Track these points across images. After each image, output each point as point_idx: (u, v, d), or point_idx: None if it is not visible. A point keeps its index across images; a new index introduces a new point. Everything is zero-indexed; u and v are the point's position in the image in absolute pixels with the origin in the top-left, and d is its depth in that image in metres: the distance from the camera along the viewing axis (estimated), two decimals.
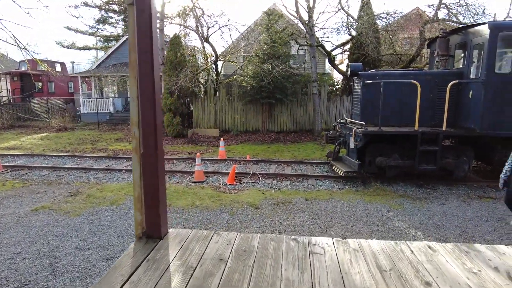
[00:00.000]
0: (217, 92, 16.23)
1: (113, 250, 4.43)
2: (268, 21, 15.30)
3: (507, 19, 14.09)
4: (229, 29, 17.40)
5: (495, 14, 25.41)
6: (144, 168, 2.66)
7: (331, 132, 9.11)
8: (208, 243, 2.66)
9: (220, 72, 18.05)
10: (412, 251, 2.55)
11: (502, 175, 5.12)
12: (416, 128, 7.18)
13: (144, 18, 2.48)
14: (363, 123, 7.48)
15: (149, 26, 2.50)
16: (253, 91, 14.27)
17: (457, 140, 8.63)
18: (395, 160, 7.43)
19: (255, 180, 8.00)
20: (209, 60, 17.08)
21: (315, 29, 15.55)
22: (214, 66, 16.98)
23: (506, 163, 5.10)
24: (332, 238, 2.74)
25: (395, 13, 16.10)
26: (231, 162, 9.73)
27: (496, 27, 6.95)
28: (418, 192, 7.28)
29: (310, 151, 11.85)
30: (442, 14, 15.14)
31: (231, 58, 18.28)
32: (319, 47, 17.12)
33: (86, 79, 23.41)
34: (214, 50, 16.65)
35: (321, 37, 17.14)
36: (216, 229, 4.90)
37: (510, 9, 17.57)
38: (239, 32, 20.11)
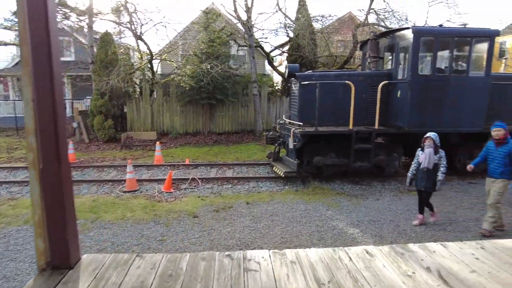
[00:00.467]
0: (154, 93, 15.41)
1: (21, 281, 3.78)
2: (206, 20, 14.92)
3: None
4: (165, 26, 16.62)
5: (415, 22, 27.96)
6: (45, 186, 2.21)
7: (271, 133, 9.08)
8: (128, 269, 2.29)
9: (156, 71, 17.19)
10: (350, 258, 2.46)
11: (409, 174, 5.43)
12: (350, 127, 7.41)
13: (36, 1, 2.04)
14: (301, 123, 7.53)
15: (44, 11, 2.06)
16: (192, 91, 13.78)
17: (388, 138, 9.14)
18: (331, 159, 7.60)
19: (195, 186, 7.63)
20: (144, 59, 16.14)
21: (254, 29, 15.54)
22: (149, 65, 16.10)
23: (413, 163, 5.40)
24: (269, 251, 2.55)
25: (329, 16, 16.77)
26: (169, 168, 9.21)
27: (418, 31, 7.45)
28: (354, 189, 7.53)
29: (252, 152, 11.75)
30: (372, 19, 16.12)
31: (169, 57, 17.53)
32: (258, 48, 17.18)
33: (2, 78, 20.78)
34: (148, 48, 15.79)
35: (260, 38, 17.21)
36: (142, 249, 4.50)
37: (427, 17, 19.56)
38: (175, 30, 19.44)
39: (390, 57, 8.94)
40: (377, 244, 4.84)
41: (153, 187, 7.54)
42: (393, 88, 8.06)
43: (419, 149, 5.40)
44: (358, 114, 7.86)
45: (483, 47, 7.74)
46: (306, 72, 8.57)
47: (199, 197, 6.88)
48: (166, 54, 17.23)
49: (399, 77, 8.05)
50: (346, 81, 7.38)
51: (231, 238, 5.00)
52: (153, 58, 16.14)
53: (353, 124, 7.59)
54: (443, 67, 7.99)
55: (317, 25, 16.86)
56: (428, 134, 5.28)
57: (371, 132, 7.48)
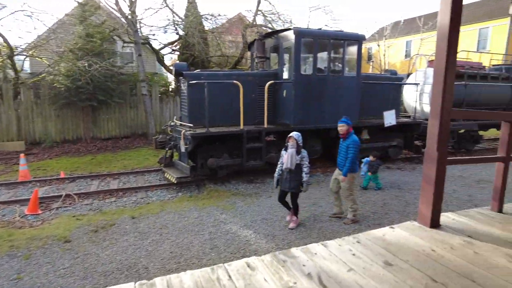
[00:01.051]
0: (19, 95, 12.97)
1: None
2: (83, 12, 13.22)
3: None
4: (30, 17, 14.12)
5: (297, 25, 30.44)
6: None
7: (160, 136, 8.47)
8: None
9: (21, 70, 14.53)
10: (230, 277, 2.20)
11: (275, 174, 5.29)
12: (241, 127, 7.35)
13: None
14: (191, 125, 7.15)
15: None
16: (68, 92, 12.04)
17: (277, 135, 9.45)
18: (225, 160, 7.44)
19: (70, 204, 6.54)
20: (1, 54, 13.44)
21: (140, 25, 14.44)
22: (10, 62, 13.48)
23: (278, 163, 5.30)
24: (135, 283, 2.12)
25: (219, 15, 16.73)
26: (38, 184, 7.74)
27: (300, 32, 7.82)
28: (249, 188, 7.51)
29: (142, 158, 10.85)
30: (260, 20, 16.68)
31: (38, 53, 15.00)
32: (147, 45, 16.09)
33: None
34: (6, 41, 13.18)
35: (148, 35, 16.14)
36: None
37: (309, 21, 21.42)
38: (43, 22, 16.76)
39: (276, 57, 9.24)
40: (269, 244, 4.83)
41: (14, 210, 6.18)
42: (279, 87, 8.33)
43: (283, 149, 5.22)
44: (248, 113, 7.88)
45: (353, 49, 8.59)
46: (194, 71, 8.21)
47: (74, 216, 5.88)
48: (33, 50, 14.71)
49: (285, 77, 8.36)
50: (234, 81, 7.28)
51: (110, 261, 4.32)
52: (15, 53, 13.56)
53: (244, 124, 7.56)
54: (323, 68, 8.60)
55: (207, 24, 16.65)
56: (291, 134, 5.07)
57: (261, 131, 7.56)
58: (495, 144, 14.16)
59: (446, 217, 3.23)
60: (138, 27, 13.90)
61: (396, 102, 10.07)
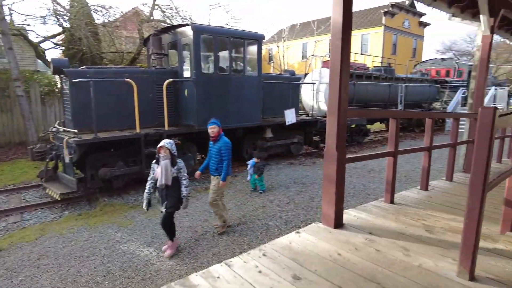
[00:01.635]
0: None
1: None
2: None
3: None
4: None
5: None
6: None
7: (38, 145, 7.11)
8: None
9: None
10: None
11: (145, 194, 4.41)
12: (138, 130, 6.63)
13: None
14: (76, 130, 6.15)
15: None
16: None
17: (182, 138, 8.92)
18: (120, 168, 6.62)
19: None
20: None
21: (8, 12, 12.11)
22: None
23: (148, 179, 4.42)
24: None
25: (111, 7, 15.18)
26: None
27: (198, 29, 7.42)
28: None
29: (19, 172, 9.07)
30: (158, 15, 15.69)
31: None
32: (20, 37, 13.64)
33: None
34: None
35: (22, 24, 13.69)
36: None
37: (210, 19, 20.97)
38: None
39: (176, 54, 8.68)
40: (173, 260, 4.36)
41: None
42: (181, 86, 7.82)
43: (154, 161, 4.37)
44: (146, 115, 7.20)
45: (254, 49, 8.59)
46: (78, 68, 7.11)
47: None
48: None
49: (185, 75, 7.88)
50: (127, 79, 6.51)
51: None
52: None
53: (142, 127, 6.85)
54: (224, 67, 8.38)
55: (98, 17, 14.95)
56: (162, 143, 4.23)
57: (161, 134, 6.95)
58: (380, 136, 16.12)
59: (348, 215, 3.28)
60: (6, 13, 11.61)
61: (295, 101, 10.50)
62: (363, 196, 6.97)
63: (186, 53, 8.09)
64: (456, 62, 20.53)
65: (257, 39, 8.46)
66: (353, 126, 12.64)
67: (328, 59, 15.07)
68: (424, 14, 31.83)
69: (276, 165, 9.61)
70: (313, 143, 11.37)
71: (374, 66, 16.63)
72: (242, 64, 8.43)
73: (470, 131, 5.75)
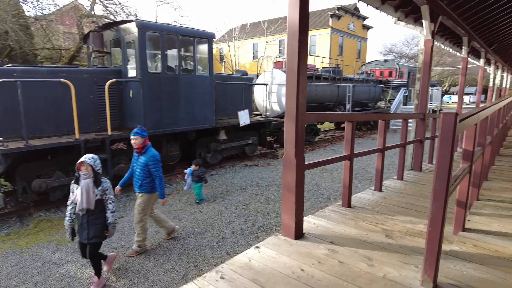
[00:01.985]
0: None
1: None
2: None
3: None
4: None
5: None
6: None
7: None
8: None
9: None
10: None
11: (66, 221, 3.59)
12: (77, 136, 6.00)
13: None
14: (1, 138, 5.38)
15: None
16: None
17: (129, 142, 8.34)
18: (58, 178, 5.94)
19: None
20: None
21: None
22: None
23: (68, 203, 3.61)
24: None
25: None
26: None
27: (144, 26, 6.93)
28: None
29: None
30: (100, 10, 14.62)
31: None
32: None
33: None
34: None
35: None
36: None
37: (157, 16, 20.10)
38: None
39: (119, 53, 8.06)
40: (121, 280, 3.94)
41: None
42: (125, 87, 7.27)
43: (73, 181, 3.56)
44: (87, 119, 6.58)
45: (204, 48, 8.26)
46: (3, 66, 6.26)
47: None
48: None
49: (130, 75, 7.33)
50: (63, 80, 5.85)
51: None
52: None
53: (82, 131, 6.23)
54: (173, 66, 7.95)
55: (28, 8, 13.51)
56: (82, 158, 3.52)
57: (104, 139, 6.37)
58: (329, 135, 16.59)
59: (307, 223, 3.15)
60: None
61: (248, 102, 10.36)
62: (317, 197, 7.01)
63: (131, 51, 7.54)
64: (398, 64, 21.86)
65: (208, 37, 8.15)
66: (305, 125, 12.80)
67: (279, 60, 15.18)
68: (367, 17, 33.57)
69: (231, 168, 9.38)
70: (267, 144, 11.32)
71: (323, 67, 17.08)
72: (192, 63, 8.06)
73: (416, 130, 6.01)
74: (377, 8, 5.32)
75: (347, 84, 15.65)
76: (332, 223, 3.16)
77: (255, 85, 12.46)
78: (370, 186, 7.77)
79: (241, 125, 9.12)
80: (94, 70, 7.23)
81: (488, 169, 4.81)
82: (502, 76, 19.60)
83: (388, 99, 20.41)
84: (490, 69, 16.21)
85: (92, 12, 13.56)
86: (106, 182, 3.59)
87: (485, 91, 26.47)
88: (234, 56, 24.61)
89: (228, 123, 9.17)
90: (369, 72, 20.65)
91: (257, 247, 2.64)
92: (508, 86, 23.30)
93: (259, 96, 13.11)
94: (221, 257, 4.40)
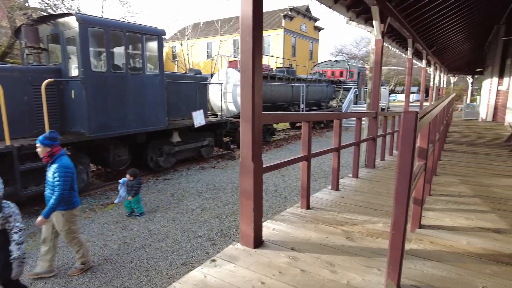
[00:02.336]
0: None
1: None
2: None
3: None
4: None
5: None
6: None
7: None
8: None
9: None
10: None
11: None
12: (8, 142, 5.33)
13: None
14: None
15: None
16: None
17: (73, 148, 7.64)
18: None
19: None
20: None
21: None
22: None
23: None
24: None
25: None
26: None
27: (85, 20, 6.37)
28: (31, 224, 5.59)
29: None
30: (36, 3, 13.37)
31: None
32: None
33: None
34: None
35: None
36: None
37: (102, 12, 18.86)
38: None
39: (59, 49, 7.35)
40: None
41: None
42: (66, 87, 6.63)
43: None
44: (21, 123, 5.91)
45: (154, 45, 7.83)
46: None
47: None
48: None
49: (72, 74, 6.71)
50: None
51: None
52: None
53: (15, 137, 5.55)
54: (120, 64, 7.42)
55: None
56: None
57: None
58: (285, 134, 16.74)
59: (267, 228, 2.99)
60: None
61: (203, 102, 10.04)
62: (275, 197, 6.92)
63: (72, 48, 6.90)
64: (348, 64, 22.71)
65: (157, 34, 7.72)
66: None
67: (234, 59, 14.99)
68: (319, 19, 34.57)
69: (186, 171, 9.01)
70: (223, 145, 11.07)
71: (277, 67, 17.20)
72: (141, 61, 7.59)
73: (369, 128, 6.14)
74: (330, 7, 5.34)
75: (301, 84, 15.89)
76: (292, 227, 3.03)
77: (210, 85, 12.16)
78: (326, 183, 7.89)
79: (195, 126, 8.79)
80: (28, 68, 6.51)
81: (436, 165, 5.02)
82: (440, 77, 21.18)
83: (339, 98, 21.11)
84: (431, 70, 17.41)
85: (27, 4, 12.35)
86: (9, 207, 2.86)
87: (425, 90, 28.45)
88: (187, 55, 23.99)
89: (182, 124, 8.80)
90: (321, 72, 21.22)
91: (213, 260, 2.42)
92: (444, 85, 25.26)
93: (215, 96, 12.83)
94: (176, 269, 4.11)
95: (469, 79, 31.78)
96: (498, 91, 13.46)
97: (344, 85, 21.32)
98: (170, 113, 8.65)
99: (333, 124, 4.37)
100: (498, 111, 13.58)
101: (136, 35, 7.27)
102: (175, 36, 28.69)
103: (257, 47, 2.32)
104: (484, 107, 16.49)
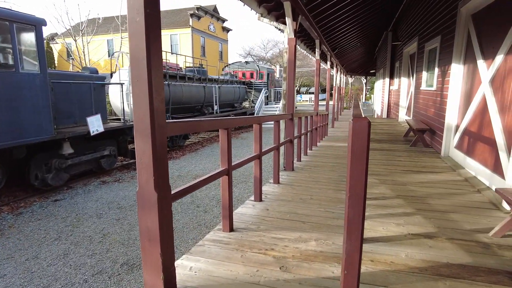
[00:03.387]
0: None
1: None
2: None
3: None
4: None
5: None
6: None
7: None
8: None
9: None
10: None
11: None
12: None
13: None
14: None
15: None
16: None
17: None
18: None
19: None
20: None
21: None
22: None
23: None
24: None
25: None
26: None
27: None
28: None
29: None
30: None
31: None
32: None
33: None
34: None
35: None
36: None
37: None
38: None
39: None
40: None
41: None
42: None
43: None
44: None
45: (30, 37, 6.36)
46: None
47: None
48: None
49: None
50: None
51: None
52: None
53: None
54: None
55: None
56: None
57: None
58: (200, 137, 15.97)
59: (182, 269, 2.33)
60: None
61: (101, 105, 8.71)
62: (192, 210, 6.22)
63: None
64: (258, 66, 22.96)
65: (35, 23, 6.29)
66: None
67: None
68: (226, 20, 34.44)
69: (83, 188, 7.62)
70: (129, 153, 9.84)
71: (187, 67, 16.32)
72: (12, 57, 6.06)
73: (286, 130, 5.89)
74: (241, 0, 4.88)
75: (213, 85, 15.33)
76: (214, 262, 2.44)
77: (111, 86, 10.74)
78: (245, 189, 7.48)
79: (92, 134, 7.50)
80: None
81: None
82: (341, 77, 22.92)
83: (251, 99, 21.20)
84: (333, 71, 18.60)
85: None
86: None
87: (326, 90, 30.63)
88: (83, 52, 21.31)
89: (75, 132, 7.41)
90: (232, 73, 20.98)
91: None
92: (344, 85, 27.54)
93: (116, 98, 11.38)
94: None
95: (363, 79, 35.44)
96: (390, 91, 14.96)
97: (255, 86, 21.47)
98: (60, 120, 7.24)
99: (253, 129, 3.90)
100: (391, 108, 15.11)
101: (3, 22, 5.76)
102: (69, 32, 25.28)
103: (152, 29, 1.65)
104: (379, 105, 18.29)
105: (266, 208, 3.75)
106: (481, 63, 4.58)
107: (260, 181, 4.01)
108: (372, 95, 29.28)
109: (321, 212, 3.65)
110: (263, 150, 4.10)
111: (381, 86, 17.83)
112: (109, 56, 28.49)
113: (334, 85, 20.08)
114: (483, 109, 4.42)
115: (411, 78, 10.20)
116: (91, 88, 8.28)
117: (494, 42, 4.22)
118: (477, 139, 4.60)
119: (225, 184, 2.95)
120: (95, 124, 7.58)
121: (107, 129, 8.18)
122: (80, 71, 9.45)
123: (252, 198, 4.12)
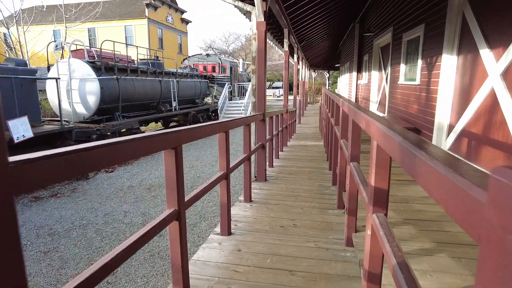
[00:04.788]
0: None
1: None
2: None
3: None
4: None
5: None
6: None
7: None
8: None
9: None
10: None
11: None
12: None
13: None
14: None
15: None
16: None
17: None
18: None
19: None
20: None
21: None
22: None
23: None
24: None
25: None
26: None
27: None
28: None
29: None
30: None
31: None
32: None
33: None
34: None
35: None
36: None
37: None
38: None
39: None
40: None
41: None
42: None
43: None
44: None
45: None
46: None
47: None
48: None
49: None
50: None
51: None
52: None
53: None
54: None
55: None
56: None
57: None
58: None
59: None
60: None
61: (33, 104, 7.21)
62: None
63: None
64: (220, 59, 21.73)
65: None
66: (123, 131, 10.39)
67: (82, 47, 11.95)
68: (186, 11, 32.68)
69: None
70: None
71: (140, 59, 14.76)
72: None
73: (257, 134, 4.92)
74: None
75: (170, 79, 13.97)
76: None
77: (47, 81, 9.14)
78: (211, 219, 6.29)
79: (16, 142, 6.06)
80: None
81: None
82: (305, 72, 22.35)
83: (214, 94, 20.00)
84: (299, 65, 17.90)
85: None
86: None
87: (291, 85, 30.10)
88: (18, 42, 18.85)
89: None
90: (192, 67, 19.61)
91: None
92: (307, 80, 27.11)
93: (54, 95, 9.76)
94: None
95: (326, 74, 35.37)
96: (358, 85, 14.49)
97: (217, 80, 20.28)
98: None
99: (218, 140, 2.87)
100: (359, 103, 14.67)
101: None
102: (5, 20, 22.36)
103: None
104: None
105: (238, 249, 2.76)
106: (485, 53, 3.89)
107: (228, 208, 3.00)
108: (335, 90, 29.15)
109: (312, 249, 2.73)
110: (231, 165, 3.09)
111: (347, 80, 17.40)
112: (56, 48, 25.78)
113: (300, 79, 19.42)
114: (492, 107, 3.73)
115: (383, 71, 9.64)
116: (16, 84, 6.75)
117: (504, 28, 3.52)
118: (483, 142, 3.93)
119: (175, 233, 1.91)
120: (20, 129, 6.13)
121: (38, 133, 6.74)
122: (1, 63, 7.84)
123: (218, 230, 3.11)
